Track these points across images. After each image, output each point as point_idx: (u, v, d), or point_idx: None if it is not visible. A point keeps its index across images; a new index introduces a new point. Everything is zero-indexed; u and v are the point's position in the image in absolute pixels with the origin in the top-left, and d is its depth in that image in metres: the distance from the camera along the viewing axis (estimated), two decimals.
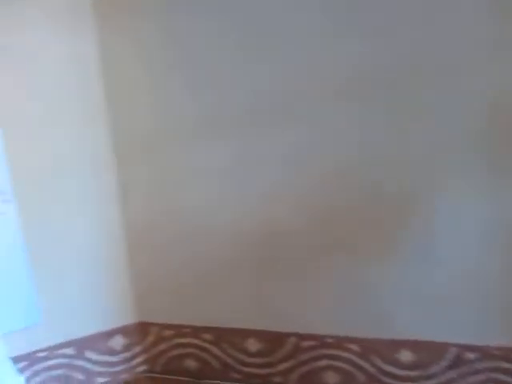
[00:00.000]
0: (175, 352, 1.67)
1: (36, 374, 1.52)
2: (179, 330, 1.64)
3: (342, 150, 1.34)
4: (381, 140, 1.30)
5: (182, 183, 1.55)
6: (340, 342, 1.43)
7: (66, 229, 1.55)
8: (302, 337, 1.48)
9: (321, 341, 1.46)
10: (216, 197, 1.53)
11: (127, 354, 1.66)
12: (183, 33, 1.46)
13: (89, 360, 1.60)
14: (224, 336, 1.60)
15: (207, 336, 1.62)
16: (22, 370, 1.49)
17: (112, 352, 1.63)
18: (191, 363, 1.65)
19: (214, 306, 1.58)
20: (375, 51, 1.26)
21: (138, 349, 1.67)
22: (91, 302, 1.60)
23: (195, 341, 1.64)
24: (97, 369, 1.61)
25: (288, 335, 1.50)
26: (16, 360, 1.47)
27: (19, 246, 1.48)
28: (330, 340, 1.44)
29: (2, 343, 0.81)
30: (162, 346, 1.67)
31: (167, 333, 1.66)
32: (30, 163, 1.47)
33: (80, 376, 1.59)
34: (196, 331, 1.63)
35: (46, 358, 1.53)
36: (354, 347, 1.41)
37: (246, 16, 1.39)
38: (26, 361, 1.50)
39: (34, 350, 1.50)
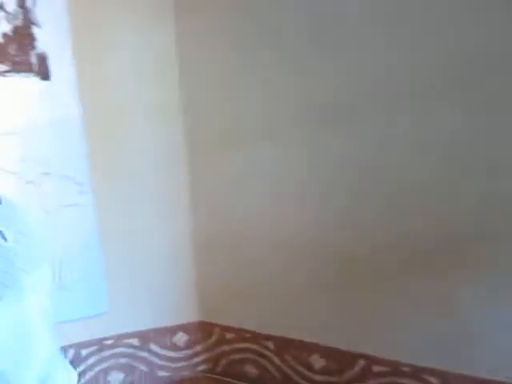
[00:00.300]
0: (236, 356, 1.64)
1: (103, 360, 1.58)
2: (241, 333, 1.61)
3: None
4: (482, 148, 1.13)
5: (252, 186, 1.50)
6: (417, 373, 1.28)
7: (138, 223, 1.58)
8: (374, 360, 1.35)
9: (395, 368, 1.31)
10: (290, 202, 1.45)
11: (189, 352, 1.66)
12: (260, 32, 1.39)
13: (152, 353, 1.63)
14: (287, 347, 1.52)
15: (269, 344, 1.57)
16: (90, 355, 1.56)
17: (175, 348, 1.65)
18: (251, 369, 1.61)
19: (277, 314, 1.52)
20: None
21: (199, 347, 1.67)
22: (158, 296, 1.62)
23: (256, 347, 1.59)
24: (159, 362, 1.64)
25: (357, 356, 1.38)
26: (85, 345, 1.55)
27: (94, 236, 1.53)
28: (405, 368, 1.29)
29: (55, 336, 0.81)
30: (224, 348, 1.65)
31: (229, 335, 1.63)
32: (107, 156, 1.52)
33: (143, 367, 1.62)
34: (257, 337, 1.58)
35: (112, 346, 1.58)
36: (434, 380, 1.25)
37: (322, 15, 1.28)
38: (94, 346, 1.56)
39: (101, 336, 1.56)
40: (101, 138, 1.49)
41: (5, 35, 1.34)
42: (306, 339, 1.49)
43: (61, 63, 1.41)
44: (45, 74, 1.40)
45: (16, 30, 1.35)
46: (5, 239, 0.73)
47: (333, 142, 1.33)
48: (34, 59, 1.38)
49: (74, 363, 1.54)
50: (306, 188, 1.41)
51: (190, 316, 1.65)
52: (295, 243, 1.45)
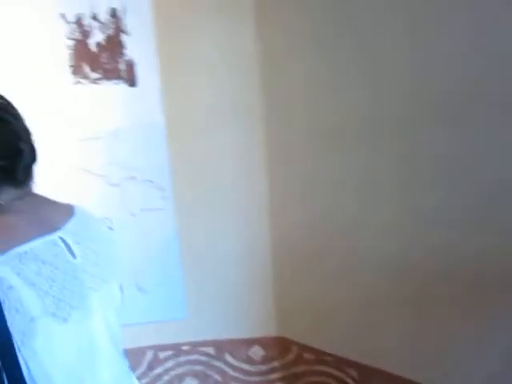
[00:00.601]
0: (315, 378, 1.52)
1: (179, 365, 1.58)
2: (321, 356, 1.49)
3: None
4: None
5: (332, 197, 1.38)
6: None
7: (217, 230, 1.55)
8: None
9: None
10: (370, 218, 1.31)
11: (264, 367, 1.59)
12: (342, 31, 1.28)
13: (227, 363, 1.59)
14: (372, 376, 1.38)
15: (352, 371, 1.44)
16: (167, 359, 1.57)
17: (250, 361, 1.59)
18: None
19: (362, 340, 1.38)
20: None
21: (275, 364, 1.59)
22: (235, 307, 1.58)
23: (338, 373, 1.47)
24: (233, 374, 1.59)
25: None
26: (162, 348, 1.57)
27: (173, 240, 1.54)
28: None
29: (123, 354, 0.80)
30: (302, 368, 1.55)
31: (308, 355, 1.53)
32: (188, 162, 1.51)
33: (217, 377, 1.59)
34: (339, 362, 1.45)
35: (188, 352, 1.58)
36: None
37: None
38: (171, 350, 1.57)
39: (178, 342, 1.56)
40: (183, 143, 1.48)
41: (98, 44, 1.40)
42: (392, 370, 1.33)
43: (147, 70, 1.43)
44: (132, 81, 1.43)
45: (108, 38, 1.40)
46: (73, 255, 0.71)
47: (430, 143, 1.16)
48: (122, 66, 1.42)
49: (151, 365, 1.57)
50: (393, 199, 1.26)
51: (268, 330, 1.58)
52: (366, 262, 1.31)
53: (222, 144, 1.52)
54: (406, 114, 1.19)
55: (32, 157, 0.74)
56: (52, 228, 0.71)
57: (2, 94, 0.75)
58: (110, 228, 1.49)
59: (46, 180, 1.40)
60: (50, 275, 0.66)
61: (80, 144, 1.41)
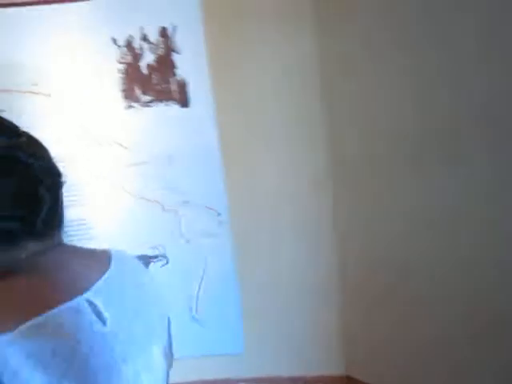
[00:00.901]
0: None
1: None
2: None
3: None
4: None
5: (400, 226, 1.20)
6: None
7: (277, 259, 1.43)
8: None
9: None
10: (447, 253, 1.12)
11: None
12: (405, 40, 1.10)
13: None
14: None
15: None
16: None
17: None
18: None
19: (431, 379, 1.19)
20: None
21: None
22: (296, 342, 1.44)
23: None
24: None
25: None
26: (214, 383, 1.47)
27: (230, 269, 1.44)
28: None
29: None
30: None
31: None
32: (245, 185, 1.41)
33: None
34: None
35: None
36: None
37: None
38: None
39: (234, 377, 1.46)
40: (239, 165, 1.39)
41: (149, 66, 1.35)
42: None
43: (200, 88, 1.36)
44: (185, 101, 1.36)
45: (159, 59, 1.35)
46: (103, 322, 0.59)
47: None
48: (174, 86, 1.36)
49: None
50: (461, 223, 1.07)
51: (331, 368, 1.43)
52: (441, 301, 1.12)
53: (282, 164, 1.41)
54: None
55: (55, 204, 0.63)
56: (79, 289, 0.59)
57: (27, 130, 0.66)
58: (163, 257, 1.44)
59: (97, 206, 1.40)
60: (69, 353, 0.54)
61: (132, 169, 1.37)
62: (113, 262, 0.66)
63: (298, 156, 1.38)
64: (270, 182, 1.41)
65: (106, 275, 0.63)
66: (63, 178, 0.65)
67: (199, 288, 1.43)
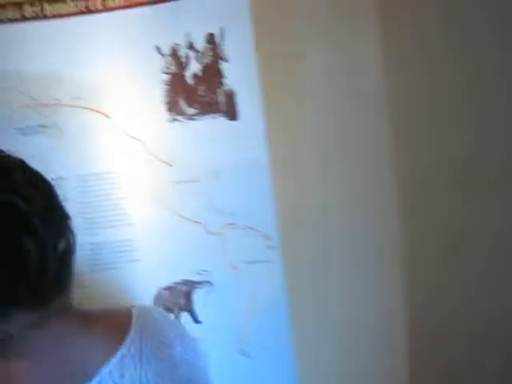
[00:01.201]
0: None
1: None
2: None
3: None
4: None
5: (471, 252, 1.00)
6: None
7: (335, 291, 1.27)
8: None
9: None
10: None
11: None
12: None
13: None
14: None
15: None
16: None
17: None
18: None
19: None
20: None
21: None
22: (353, 378, 1.27)
23: None
24: None
25: None
26: None
27: (283, 300, 1.29)
28: None
29: None
30: None
31: None
32: (297, 207, 1.26)
33: None
34: None
35: None
36: None
37: None
38: None
39: None
40: (290, 185, 1.25)
41: (195, 76, 1.24)
42: None
43: (249, 99, 1.23)
44: (232, 114, 1.24)
45: (205, 68, 1.24)
46: None
47: None
48: (221, 98, 1.24)
49: None
50: None
51: None
52: None
53: (340, 183, 1.24)
54: None
55: (43, 263, 0.48)
56: (82, 376, 0.47)
57: (26, 160, 0.57)
58: (208, 284, 1.33)
59: (142, 226, 1.31)
60: None
61: (176, 187, 1.27)
62: (133, 327, 0.52)
63: (359, 178, 1.21)
64: (327, 206, 1.25)
65: (124, 347, 0.49)
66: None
67: (247, 318, 1.29)
